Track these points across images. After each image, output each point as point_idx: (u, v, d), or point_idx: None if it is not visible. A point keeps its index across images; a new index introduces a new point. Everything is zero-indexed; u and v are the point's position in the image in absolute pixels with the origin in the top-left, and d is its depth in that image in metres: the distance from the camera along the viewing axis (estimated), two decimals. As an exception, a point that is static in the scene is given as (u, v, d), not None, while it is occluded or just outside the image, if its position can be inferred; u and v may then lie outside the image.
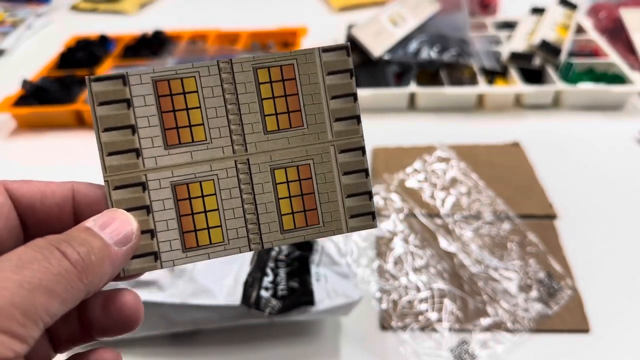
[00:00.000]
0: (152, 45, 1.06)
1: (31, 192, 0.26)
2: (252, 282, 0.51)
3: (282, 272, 0.53)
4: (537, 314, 0.54)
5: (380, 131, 0.80)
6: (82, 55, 1.02)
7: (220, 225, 0.27)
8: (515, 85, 0.88)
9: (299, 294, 0.50)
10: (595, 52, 0.98)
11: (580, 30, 1.03)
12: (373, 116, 0.87)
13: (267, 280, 0.51)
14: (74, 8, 1.37)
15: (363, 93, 0.86)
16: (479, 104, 0.90)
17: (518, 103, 0.90)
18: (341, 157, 0.28)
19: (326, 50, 0.28)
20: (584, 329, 0.53)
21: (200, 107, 0.27)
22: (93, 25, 1.21)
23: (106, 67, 0.99)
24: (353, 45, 0.87)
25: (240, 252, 0.28)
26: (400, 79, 0.92)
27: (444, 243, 0.62)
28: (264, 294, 0.50)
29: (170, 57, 1.00)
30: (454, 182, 0.70)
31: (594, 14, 1.11)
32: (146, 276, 0.50)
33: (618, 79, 0.90)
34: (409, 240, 0.63)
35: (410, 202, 0.67)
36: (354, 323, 0.55)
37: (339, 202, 0.28)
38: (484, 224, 0.64)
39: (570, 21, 0.99)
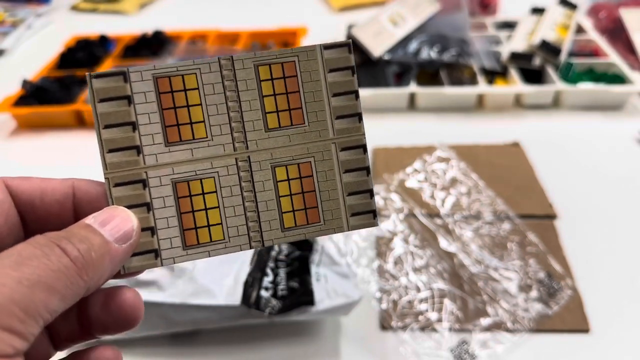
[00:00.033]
0: (152, 45, 1.06)
1: (31, 188, 0.26)
2: (252, 282, 0.50)
3: (282, 272, 0.53)
4: (537, 314, 0.54)
5: (380, 131, 0.80)
6: (82, 55, 1.02)
7: (221, 223, 0.27)
8: (515, 85, 0.88)
9: (299, 294, 0.50)
10: (595, 52, 0.98)
11: (580, 30, 1.03)
12: (373, 116, 0.87)
13: (267, 280, 0.51)
14: (74, 8, 1.36)
15: (363, 93, 0.86)
16: (479, 104, 0.90)
17: (518, 103, 0.90)
18: (342, 155, 0.28)
19: (328, 47, 0.28)
20: (584, 329, 0.53)
21: (201, 104, 0.27)
22: (93, 25, 1.21)
23: (106, 67, 0.99)
24: (353, 45, 0.88)
25: (241, 250, 0.27)
26: (400, 79, 0.92)
27: (444, 243, 0.62)
28: (264, 294, 0.50)
29: (170, 57, 1.00)
30: (454, 182, 0.70)
31: (594, 14, 1.11)
32: (146, 276, 0.50)
33: (618, 79, 0.90)
34: (409, 240, 0.63)
35: (410, 202, 0.67)
36: (354, 323, 0.55)
37: (340, 200, 0.28)
38: (484, 224, 0.64)
39: (570, 21, 0.99)
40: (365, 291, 0.57)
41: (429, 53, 0.93)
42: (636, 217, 0.66)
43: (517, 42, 0.95)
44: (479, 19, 1.08)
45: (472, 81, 0.90)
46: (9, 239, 0.25)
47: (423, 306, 0.56)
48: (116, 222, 0.24)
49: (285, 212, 0.28)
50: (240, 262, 0.52)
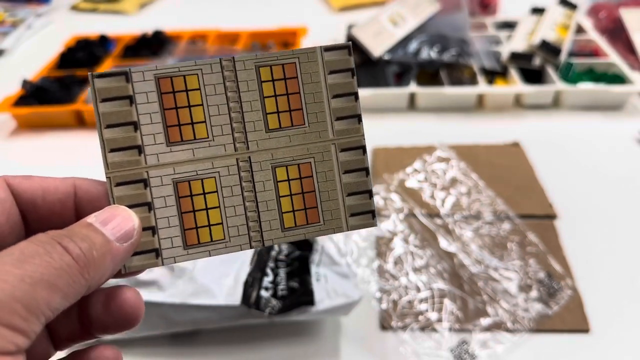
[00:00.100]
0: (152, 45, 1.06)
1: (33, 187, 0.26)
2: (252, 282, 0.50)
3: (282, 272, 0.53)
4: (537, 314, 0.54)
5: (380, 131, 0.80)
6: (82, 55, 1.02)
7: (222, 223, 0.27)
8: (515, 85, 0.88)
9: (299, 294, 0.50)
10: (595, 52, 0.98)
11: (580, 30, 1.03)
12: (373, 116, 0.87)
13: (267, 280, 0.51)
14: (74, 8, 1.37)
15: (363, 93, 0.86)
16: (479, 104, 0.90)
17: (518, 103, 0.90)
18: (342, 156, 0.28)
19: (328, 49, 0.28)
20: (584, 329, 0.53)
21: (202, 105, 0.27)
22: (93, 25, 1.21)
23: (106, 67, 0.99)
24: (353, 45, 0.88)
25: (241, 250, 0.28)
26: (400, 79, 0.92)
27: (444, 243, 0.62)
28: (264, 294, 0.50)
29: (170, 57, 1.00)
30: (454, 182, 0.70)
31: (594, 14, 1.11)
32: (146, 276, 0.50)
33: (618, 79, 0.90)
34: (409, 240, 0.63)
35: (410, 202, 0.67)
36: (354, 323, 0.55)
37: (340, 200, 0.28)
38: (484, 224, 0.64)
39: (570, 21, 0.99)
40: (365, 291, 0.57)
41: (429, 53, 0.94)
42: (636, 217, 0.66)
43: (517, 42, 0.95)
44: (479, 19, 1.08)
45: (472, 81, 0.90)
46: (10, 238, 0.25)
47: (423, 306, 0.56)
48: (117, 221, 0.24)
49: (285, 212, 0.28)
50: (240, 262, 0.52)
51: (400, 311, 0.55)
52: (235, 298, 0.49)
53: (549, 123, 0.86)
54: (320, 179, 0.28)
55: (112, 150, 0.26)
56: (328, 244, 0.58)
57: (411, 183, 0.70)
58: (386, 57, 0.92)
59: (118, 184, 0.26)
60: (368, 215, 0.29)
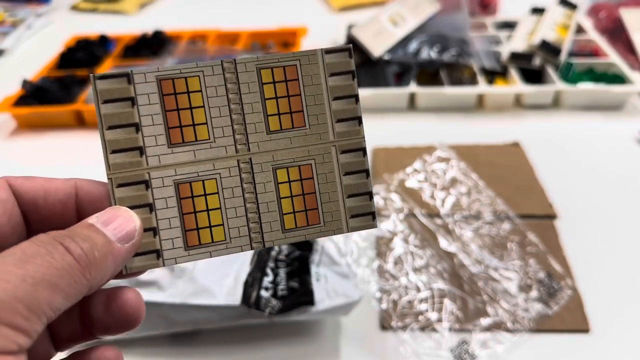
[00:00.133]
0: (152, 45, 1.06)
1: (34, 188, 0.26)
2: (252, 282, 0.51)
3: (282, 272, 0.53)
4: (537, 314, 0.55)
5: (380, 131, 0.80)
6: (82, 55, 1.02)
7: (223, 224, 0.27)
8: (515, 85, 0.88)
9: (299, 294, 0.50)
10: (595, 52, 0.99)
11: (580, 30, 1.03)
12: (373, 116, 0.87)
13: (267, 280, 0.51)
14: (74, 8, 1.37)
15: (363, 93, 0.86)
16: (479, 104, 0.90)
17: (518, 103, 0.90)
18: (342, 158, 0.29)
19: (329, 51, 0.28)
20: (584, 329, 0.53)
21: (203, 107, 0.27)
22: (93, 25, 1.21)
23: (106, 67, 0.99)
24: (353, 45, 0.88)
25: (242, 251, 0.28)
26: (400, 79, 0.92)
27: (444, 243, 0.62)
28: (264, 294, 0.50)
29: (170, 57, 1.00)
30: (454, 182, 0.70)
31: (594, 14, 1.11)
32: (146, 276, 0.50)
33: (618, 79, 0.90)
34: (409, 240, 0.63)
35: (410, 202, 0.67)
36: (354, 323, 0.55)
37: (340, 202, 0.29)
38: (484, 224, 0.64)
39: (570, 21, 0.99)
40: (365, 291, 0.57)
41: (429, 53, 0.94)
42: (636, 217, 0.67)
43: (517, 42, 0.95)
44: (479, 19, 1.09)
45: (472, 81, 0.90)
46: (12, 239, 0.25)
47: (423, 306, 0.56)
48: (119, 222, 0.25)
49: (286, 214, 0.28)
50: (240, 262, 0.53)
51: (400, 311, 0.55)
52: (235, 298, 0.49)
53: (549, 123, 0.86)
54: (320, 181, 0.28)
55: (114, 152, 0.26)
56: (328, 244, 0.58)
57: (411, 183, 0.70)
58: (386, 57, 0.92)
59: (119, 185, 0.26)
60: (368, 217, 0.29)
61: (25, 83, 0.91)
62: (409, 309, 0.55)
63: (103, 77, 0.26)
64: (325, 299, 0.50)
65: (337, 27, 1.07)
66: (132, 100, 0.26)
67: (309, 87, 0.28)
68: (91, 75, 0.26)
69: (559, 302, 0.56)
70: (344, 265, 0.55)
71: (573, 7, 1.02)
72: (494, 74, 0.92)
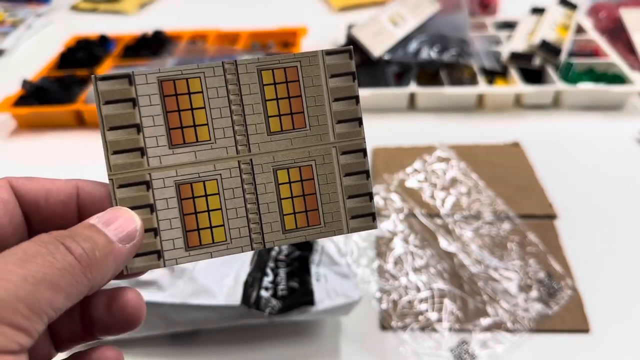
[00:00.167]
0: (152, 45, 1.06)
1: (36, 189, 0.26)
2: (252, 282, 0.51)
3: (282, 272, 0.53)
4: (537, 314, 0.55)
5: (380, 131, 0.80)
6: (82, 55, 1.02)
7: (223, 225, 0.28)
8: (515, 85, 0.88)
9: (299, 294, 0.50)
10: (595, 52, 0.99)
11: (580, 30, 1.03)
12: (373, 116, 0.87)
13: (267, 280, 0.51)
14: (74, 8, 1.37)
15: (363, 93, 0.86)
16: (479, 104, 0.90)
17: (518, 103, 0.90)
18: (343, 159, 0.29)
19: (329, 53, 0.28)
20: (584, 329, 0.53)
21: (204, 108, 0.27)
22: (93, 25, 1.21)
23: (106, 67, 0.99)
24: (353, 45, 0.88)
25: (243, 252, 0.28)
26: (400, 79, 0.92)
27: (444, 243, 0.62)
28: (264, 294, 0.50)
29: (170, 57, 1.00)
30: (454, 182, 0.70)
31: (594, 14, 1.11)
32: (146, 276, 0.50)
33: (618, 79, 0.90)
34: (409, 240, 0.63)
35: (410, 202, 0.67)
36: (354, 323, 0.55)
37: (340, 202, 0.29)
38: (484, 224, 0.64)
39: (570, 21, 0.99)
40: (365, 291, 0.57)
41: (429, 53, 0.94)
42: (636, 217, 0.67)
43: (517, 42, 0.95)
44: (479, 19, 1.09)
45: (472, 81, 0.90)
46: (13, 239, 0.25)
47: (423, 306, 0.56)
48: (120, 223, 0.25)
49: (286, 214, 0.28)
50: (241, 262, 0.53)
51: (400, 311, 0.55)
52: (235, 298, 0.49)
53: (549, 123, 0.86)
54: (321, 182, 0.28)
55: (115, 153, 0.26)
56: (328, 244, 0.58)
57: (411, 183, 0.70)
58: (386, 57, 0.92)
59: (121, 186, 0.26)
60: (368, 218, 0.29)
61: (25, 83, 0.91)
62: (409, 309, 0.56)
63: (104, 78, 0.26)
64: (325, 299, 0.51)
65: (337, 27, 1.07)
66: (134, 101, 0.26)
67: (309, 88, 0.28)
68: (93, 76, 0.26)
69: (559, 302, 0.56)
70: (344, 265, 0.55)
71: (573, 7, 1.02)
72: (494, 74, 0.92)
